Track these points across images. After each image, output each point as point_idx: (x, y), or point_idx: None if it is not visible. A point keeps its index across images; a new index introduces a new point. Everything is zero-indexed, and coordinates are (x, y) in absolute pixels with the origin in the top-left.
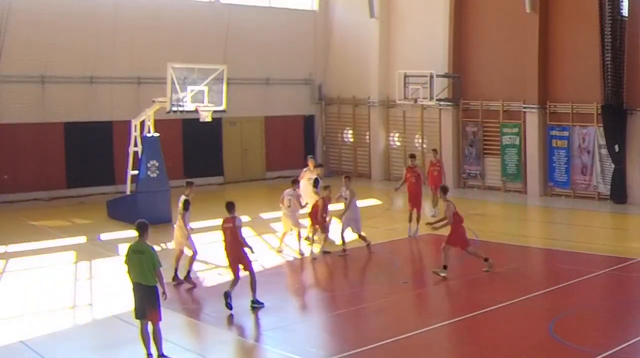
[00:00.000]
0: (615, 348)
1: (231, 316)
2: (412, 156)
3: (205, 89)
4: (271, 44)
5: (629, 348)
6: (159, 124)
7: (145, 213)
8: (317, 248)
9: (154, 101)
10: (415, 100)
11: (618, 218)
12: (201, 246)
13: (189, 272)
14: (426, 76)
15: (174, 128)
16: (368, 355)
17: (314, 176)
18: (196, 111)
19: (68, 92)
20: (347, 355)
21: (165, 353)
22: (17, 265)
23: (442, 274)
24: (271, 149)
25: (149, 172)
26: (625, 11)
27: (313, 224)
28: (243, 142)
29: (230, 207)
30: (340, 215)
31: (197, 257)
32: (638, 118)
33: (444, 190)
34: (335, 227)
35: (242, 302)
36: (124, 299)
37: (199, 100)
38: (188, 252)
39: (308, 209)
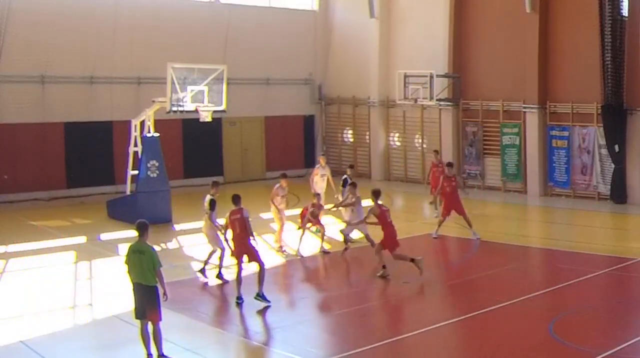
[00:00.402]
0: (615, 348)
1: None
2: (450, 164)
3: (205, 89)
4: (271, 44)
5: (629, 348)
6: (159, 124)
7: (145, 213)
8: (326, 245)
9: (154, 101)
10: (415, 100)
11: (618, 218)
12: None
13: (219, 267)
14: (426, 76)
15: (174, 128)
16: (368, 355)
17: (326, 173)
18: (196, 111)
19: (68, 92)
20: (347, 355)
21: (165, 353)
22: (17, 265)
23: (382, 274)
24: (271, 149)
25: (149, 172)
26: (625, 11)
27: (314, 224)
28: (243, 142)
29: (236, 199)
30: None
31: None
32: (638, 118)
33: (375, 193)
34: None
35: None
36: (124, 299)
37: (199, 100)
38: (216, 248)
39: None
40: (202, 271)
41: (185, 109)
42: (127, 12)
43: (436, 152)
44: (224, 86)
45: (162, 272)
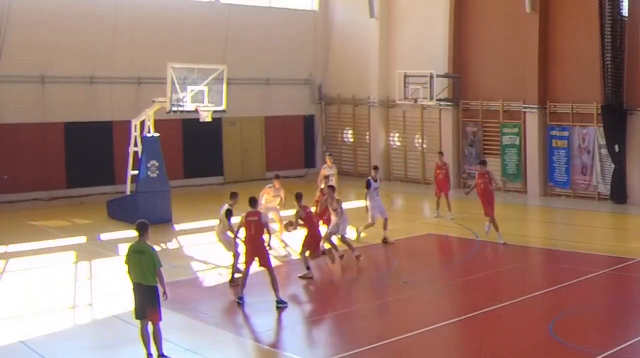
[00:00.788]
0: (615, 348)
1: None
2: (483, 162)
3: (205, 89)
4: (271, 44)
5: (629, 348)
6: (159, 124)
7: (145, 213)
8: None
9: (154, 101)
10: (415, 100)
11: (618, 218)
12: (200, 246)
13: (234, 273)
14: (426, 76)
15: (174, 128)
16: (368, 355)
17: (333, 173)
18: (196, 111)
19: (68, 92)
20: (347, 355)
21: (165, 353)
22: (17, 265)
23: (308, 276)
24: (271, 149)
25: (149, 172)
26: (625, 11)
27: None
28: (243, 142)
29: (253, 201)
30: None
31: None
32: (638, 118)
33: (298, 197)
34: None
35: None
36: (124, 299)
37: (199, 100)
38: (229, 253)
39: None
40: (233, 280)
41: (185, 109)
42: (127, 12)
43: (441, 153)
44: (224, 86)
45: (162, 272)
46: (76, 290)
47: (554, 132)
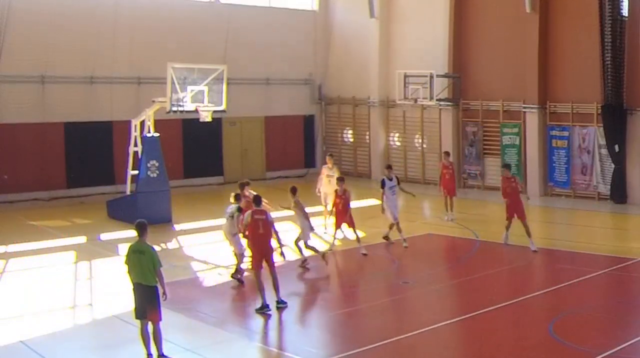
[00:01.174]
0: (615, 348)
1: (231, 316)
2: (507, 166)
3: (205, 89)
4: (271, 44)
5: (629, 348)
6: (159, 124)
7: (145, 213)
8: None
9: (154, 101)
10: (415, 100)
11: (618, 218)
12: (200, 246)
13: (237, 270)
14: (426, 76)
15: (174, 128)
16: (368, 355)
17: (334, 174)
18: (196, 111)
19: (68, 92)
20: (347, 355)
21: (165, 353)
22: (17, 265)
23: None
24: (271, 149)
25: (149, 172)
26: (625, 11)
27: (338, 223)
28: (243, 142)
29: (258, 200)
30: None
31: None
32: (638, 118)
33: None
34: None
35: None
36: (124, 299)
37: (199, 100)
38: (235, 251)
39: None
40: (239, 279)
41: (185, 109)
42: (127, 12)
43: (447, 153)
44: (224, 86)
45: (162, 271)
46: (76, 290)
47: (554, 132)
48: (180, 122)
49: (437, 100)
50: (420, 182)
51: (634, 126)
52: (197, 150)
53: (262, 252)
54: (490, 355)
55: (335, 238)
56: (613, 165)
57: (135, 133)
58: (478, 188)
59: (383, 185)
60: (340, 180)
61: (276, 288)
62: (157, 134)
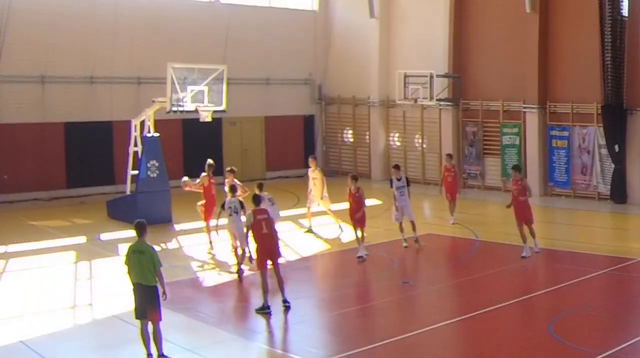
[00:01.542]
0: (615, 348)
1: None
2: (516, 167)
3: (205, 89)
4: (271, 44)
5: (629, 348)
6: (159, 124)
7: (145, 214)
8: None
9: (154, 101)
10: (415, 100)
11: (618, 218)
12: (200, 246)
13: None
14: (426, 76)
15: (174, 128)
16: (368, 355)
17: (316, 176)
18: (196, 111)
19: (68, 92)
20: (347, 355)
21: (165, 353)
22: (17, 265)
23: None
24: (271, 149)
25: (149, 172)
26: (625, 11)
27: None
28: (243, 142)
29: (257, 199)
30: None
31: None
32: (638, 118)
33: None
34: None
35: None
36: (124, 299)
37: (199, 100)
38: (243, 247)
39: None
40: (240, 275)
41: (185, 109)
42: (127, 12)
43: (449, 156)
44: (224, 86)
45: (162, 271)
46: (76, 290)
47: (554, 132)
48: (180, 122)
49: (437, 100)
50: (420, 182)
51: (634, 126)
52: (197, 150)
53: (267, 251)
54: (490, 355)
55: (361, 236)
56: (613, 165)
57: (135, 133)
58: (478, 188)
59: (391, 185)
60: (353, 178)
61: (281, 288)
62: (157, 134)
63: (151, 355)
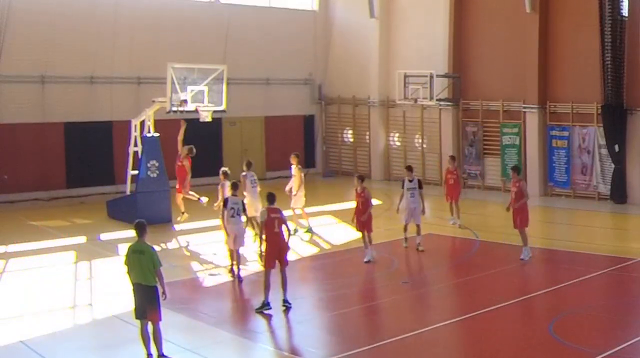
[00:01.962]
0: (615, 348)
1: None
2: (515, 168)
3: (205, 89)
4: (271, 44)
5: (629, 348)
6: (159, 124)
7: (145, 214)
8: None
9: (154, 101)
10: (415, 100)
11: (618, 218)
12: (200, 246)
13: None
14: (426, 76)
15: (174, 128)
16: (368, 355)
17: (294, 174)
18: (196, 111)
19: (68, 92)
20: (347, 355)
21: (165, 353)
22: (17, 265)
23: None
24: (271, 149)
25: (149, 172)
26: (625, 11)
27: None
28: (243, 142)
29: (272, 197)
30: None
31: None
32: (638, 118)
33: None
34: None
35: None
36: (124, 299)
37: (199, 100)
38: (238, 248)
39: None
40: (237, 276)
41: (185, 109)
42: (127, 12)
43: (452, 158)
44: (224, 86)
45: (162, 271)
46: (76, 290)
47: (554, 132)
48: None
49: (437, 100)
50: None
51: (634, 126)
52: (197, 150)
53: (276, 250)
54: (490, 355)
55: (368, 240)
56: (613, 165)
57: (135, 133)
58: (478, 188)
59: (403, 185)
60: (359, 178)
61: (284, 287)
62: (157, 134)
63: (151, 355)
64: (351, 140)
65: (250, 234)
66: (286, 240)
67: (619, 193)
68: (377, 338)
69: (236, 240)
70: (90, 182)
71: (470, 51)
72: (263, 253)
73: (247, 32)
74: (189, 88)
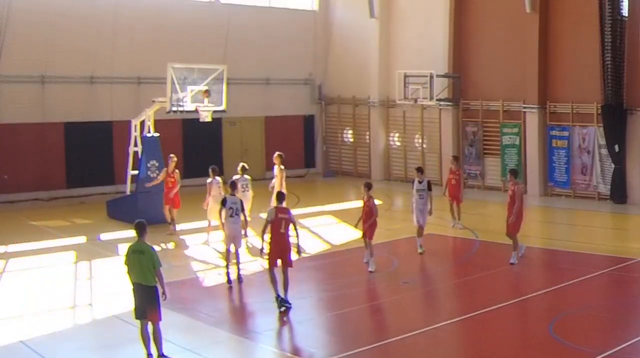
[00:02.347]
0: (615, 348)
1: (231, 316)
2: (512, 171)
3: (205, 89)
4: (271, 44)
5: (629, 348)
6: (159, 124)
7: (145, 214)
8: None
9: (154, 101)
10: (415, 100)
11: (618, 218)
12: (200, 246)
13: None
14: (426, 76)
15: (174, 128)
16: (368, 355)
17: (276, 174)
18: (196, 111)
19: (68, 92)
20: (347, 355)
21: (165, 353)
22: (17, 265)
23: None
24: (271, 149)
25: (149, 172)
26: (625, 11)
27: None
28: (243, 142)
29: (281, 196)
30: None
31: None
32: (638, 118)
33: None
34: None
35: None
36: (124, 299)
37: (199, 100)
38: (236, 248)
39: None
40: (238, 276)
41: (185, 109)
42: (127, 12)
43: (455, 158)
44: (224, 86)
45: (162, 272)
46: (76, 290)
47: (554, 132)
48: (180, 122)
49: (437, 100)
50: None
51: (634, 126)
52: (197, 150)
53: (280, 251)
54: (490, 355)
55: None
56: (613, 165)
57: (135, 133)
58: (478, 188)
59: (413, 187)
60: (366, 186)
61: (285, 288)
62: (157, 134)
63: (151, 355)
64: (351, 140)
65: (250, 234)
66: (292, 241)
67: (619, 193)
68: (377, 338)
69: (235, 240)
70: (90, 182)
71: (470, 51)
72: (266, 253)
73: (247, 32)
74: (189, 88)
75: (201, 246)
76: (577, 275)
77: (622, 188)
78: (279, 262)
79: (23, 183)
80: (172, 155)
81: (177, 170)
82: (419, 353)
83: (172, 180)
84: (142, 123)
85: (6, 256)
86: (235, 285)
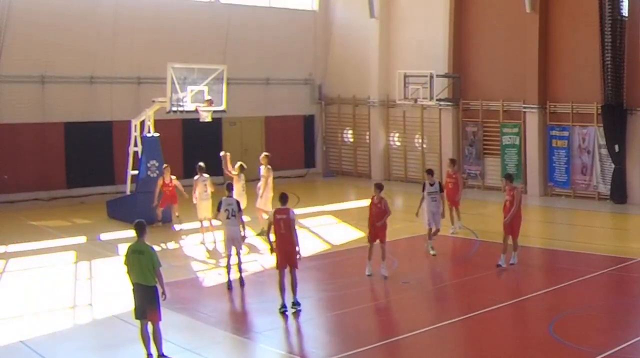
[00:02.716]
0: (615, 348)
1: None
2: (508, 176)
3: (205, 89)
4: (271, 44)
5: (629, 348)
6: (159, 124)
7: (145, 214)
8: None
9: (154, 101)
10: (415, 100)
11: (618, 218)
12: (200, 246)
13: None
14: (426, 76)
15: (174, 128)
16: (368, 355)
17: (262, 174)
18: (196, 111)
19: (68, 92)
20: (347, 355)
21: (165, 353)
22: (17, 265)
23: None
24: (271, 149)
25: (149, 172)
26: (625, 11)
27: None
28: (243, 142)
29: (284, 198)
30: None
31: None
32: (638, 118)
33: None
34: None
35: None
36: (124, 299)
37: (199, 100)
38: (238, 250)
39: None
40: (239, 278)
41: (185, 109)
42: (127, 12)
43: (452, 161)
44: (224, 86)
45: (162, 272)
46: (76, 290)
47: (554, 132)
48: (180, 122)
49: (437, 100)
50: (420, 182)
51: (634, 126)
52: (197, 150)
53: (284, 252)
54: (490, 355)
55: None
56: (613, 165)
57: (135, 133)
58: (478, 188)
59: (424, 189)
60: (377, 187)
61: (294, 289)
62: (157, 134)
63: (151, 355)
64: (351, 140)
65: (251, 234)
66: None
67: (619, 193)
68: (377, 338)
69: (234, 242)
70: (90, 182)
71: (470, 51)
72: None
73: (247, 32)
74: (189, 88)
75: (201, 246)
76: (577, 275)
77: (622, 188)
78: (287, 268)
79: (23, 183)
80: (165, 165)
81: (173, 177)
82: (419, 353)
83: (170, 188)
84: (142, 123)
85: (6, 256)
86: (236, 287)
